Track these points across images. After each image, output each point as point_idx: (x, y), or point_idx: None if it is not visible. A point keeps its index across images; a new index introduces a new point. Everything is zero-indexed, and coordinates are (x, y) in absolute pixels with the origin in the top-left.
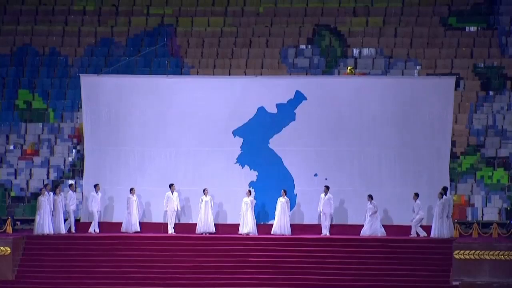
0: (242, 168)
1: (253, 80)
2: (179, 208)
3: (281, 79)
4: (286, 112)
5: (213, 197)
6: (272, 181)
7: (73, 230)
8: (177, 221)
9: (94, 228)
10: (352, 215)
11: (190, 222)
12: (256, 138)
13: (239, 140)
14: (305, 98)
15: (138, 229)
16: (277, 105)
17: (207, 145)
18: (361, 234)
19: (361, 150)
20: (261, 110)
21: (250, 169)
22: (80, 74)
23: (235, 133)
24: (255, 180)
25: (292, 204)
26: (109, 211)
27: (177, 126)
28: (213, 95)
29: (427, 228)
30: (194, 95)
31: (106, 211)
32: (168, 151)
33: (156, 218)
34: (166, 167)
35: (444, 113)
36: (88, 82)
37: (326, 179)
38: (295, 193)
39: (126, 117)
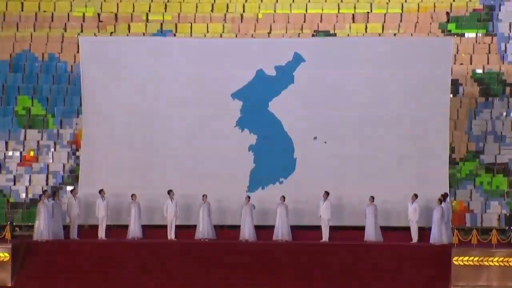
0: (242, 131)
1: (252, 42)
2: (178, 215)
3: (280, 41)
4: (285, 74)
5: (213, 160)
6: (271, 144)
7: (75, 236)
8: (177, 223)
9: (101, 235)
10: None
11: (190, 224)
12: (256, 101)
13: (238, 103)
14: (304, 60)
15: (141, 236)
16: (276, 68)
17: (206, 108)
18: (368, 239)
19: (360, 113)
20: (260, 72)
21: (250, 133)
22: (79, 36)
23: (234, 96)
24: (254, 144)
25: (291, 169)
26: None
27: (175, 89)
28: (211, 57)
29: (426, 234)
30: (192, 57)
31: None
32: (165, 114)
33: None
34: (165, 135)
35: (442, 75)
36: (87, 45)
37: (325, 142)
38: (294, 157)
39: (123, 80)
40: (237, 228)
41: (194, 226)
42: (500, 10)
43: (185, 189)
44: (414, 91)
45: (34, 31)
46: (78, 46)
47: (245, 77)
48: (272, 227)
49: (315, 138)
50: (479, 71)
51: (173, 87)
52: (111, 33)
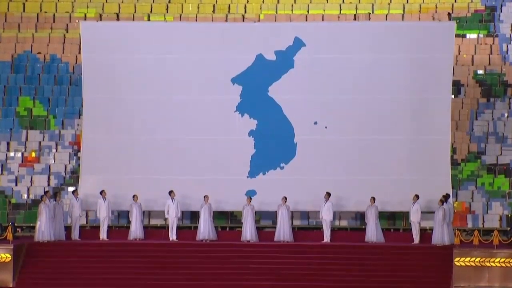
0: (242, 116)
1: (252, 26)
2: (179, 215)
3: (280, 25)
4: (285, 59)
5: (213, 146)
6: (271, 129)
7: (77, 237)
8: (179, 224)
9: (102, 235)
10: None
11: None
12: (256, 86)
13: (238, 88)
14: (304, 45)
15: (142, 236)
16: (276, 52)
17: (206, 93)
18: (369, 240)
19: (360, 97)
20: (259, 57)
21: (250, 118)
22: (80, 21)
23: (234, 80)
24: (254, 129)
25: (292, 154)
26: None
27: (175, 73)
28: (211, 42)
29: (428, 235)
30: (192, 42)
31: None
32: (166, 100)
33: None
34: (165, 120)
35: (445, 61)
36: (88, 29)
37: (326, 127)
38: (295, 142)
39: (124, 65)
40: (238, 227)
41: (196, 227)
42: (501, 11)
43: (186, 178)
44: (416, 76)
45: (36, 32)
46: (79, 47)
47: (245, 62)
48: (271, 214)
49: (315, 123)
50: (481, 72)
51: (174, 73)
52: None
